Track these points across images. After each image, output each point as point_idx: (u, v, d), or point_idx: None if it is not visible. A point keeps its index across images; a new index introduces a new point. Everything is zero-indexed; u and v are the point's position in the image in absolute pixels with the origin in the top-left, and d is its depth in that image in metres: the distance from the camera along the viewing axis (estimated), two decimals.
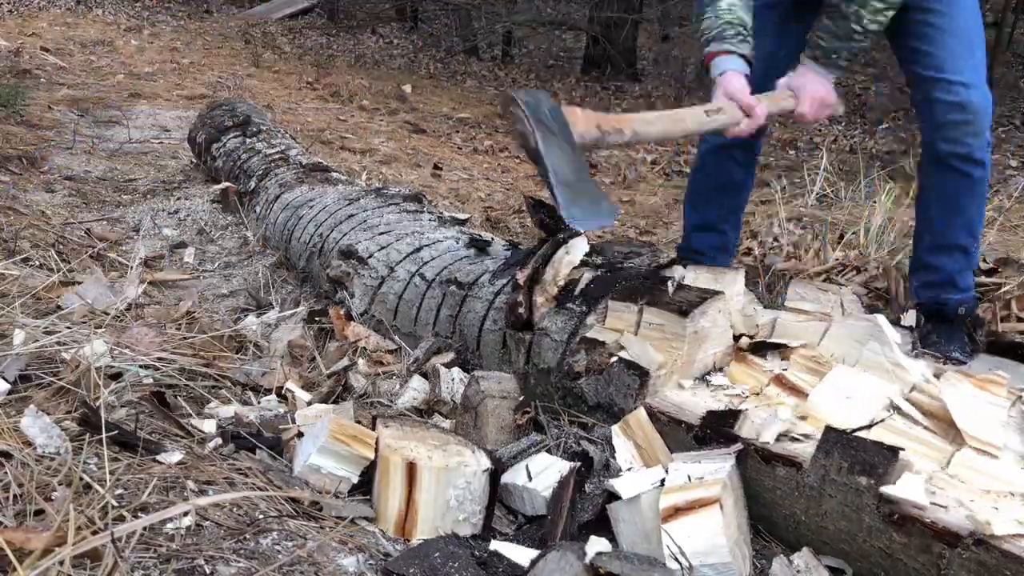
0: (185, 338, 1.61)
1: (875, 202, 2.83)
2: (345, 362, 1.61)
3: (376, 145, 5.04)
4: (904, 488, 0.96)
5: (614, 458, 1.19)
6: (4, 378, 1.19)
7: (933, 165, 1.95)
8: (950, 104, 1.81)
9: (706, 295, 1.34)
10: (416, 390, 1.51)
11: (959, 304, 2.00)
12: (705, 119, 1.55)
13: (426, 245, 1.90)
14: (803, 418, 1.18)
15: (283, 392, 1.49)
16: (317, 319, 1.76)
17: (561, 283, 1.46)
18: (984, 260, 2.25)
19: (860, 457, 0.99)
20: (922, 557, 0.94)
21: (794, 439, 1.12)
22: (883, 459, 0.98)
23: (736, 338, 1.41)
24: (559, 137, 1.33)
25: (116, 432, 1.06)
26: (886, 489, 0.96)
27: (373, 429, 1.18)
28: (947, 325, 1.96)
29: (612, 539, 1.06)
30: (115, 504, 0.92)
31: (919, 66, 1.85)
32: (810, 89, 1.71)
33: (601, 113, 1.44)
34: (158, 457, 1.06)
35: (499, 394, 1.35)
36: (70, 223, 2.55)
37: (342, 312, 1.79)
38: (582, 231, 1.56)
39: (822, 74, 1.74)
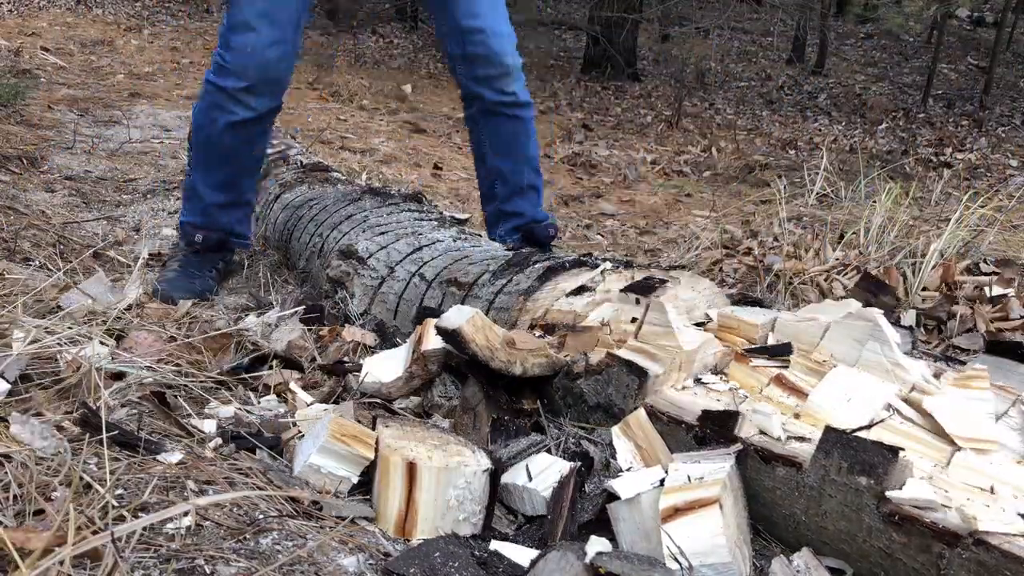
0: (188, 337, 1.61)
1: (875, 202, 2.83)
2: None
3: (376, 145, 5.05)
4: (912, 491, 0.96)
5: (614, 458, 1.19)
6: (4, 378, 1.19)
7: (484, 115, 2.21)
8: (484, 57, 2.09)
9: None
10: None
11: (546, 231, 2.33)
12: None
13: (426, 245, 1.90)
14: (796, 416, 1.18)
15: (283, 392, 1.49)
16: (311, 327, 1.76)
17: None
18: (985, 261, 2.25)
19: (860, 457, 0.99)
20: (922, 557, 0.94)
21: (789, 440, 1.12)
22: (883, 459, 0.98)
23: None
24: None
25: (116, 432, 1.06)
26: (894, 494, 0.96)
27: (373, 429, 1.18)
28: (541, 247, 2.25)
29: (612, 539, 1.06)
30: (115, 504, 0.92)
31: (458, 16, 2.09)
32: None
33: None
34: (158, 457, 1.06)
35: None
36: (70, 223, 2.55)
37: (336, 325, 1.79)
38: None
39: None
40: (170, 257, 2.27)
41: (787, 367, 1.30)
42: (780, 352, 1.33)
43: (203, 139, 2.08)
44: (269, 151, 3.01)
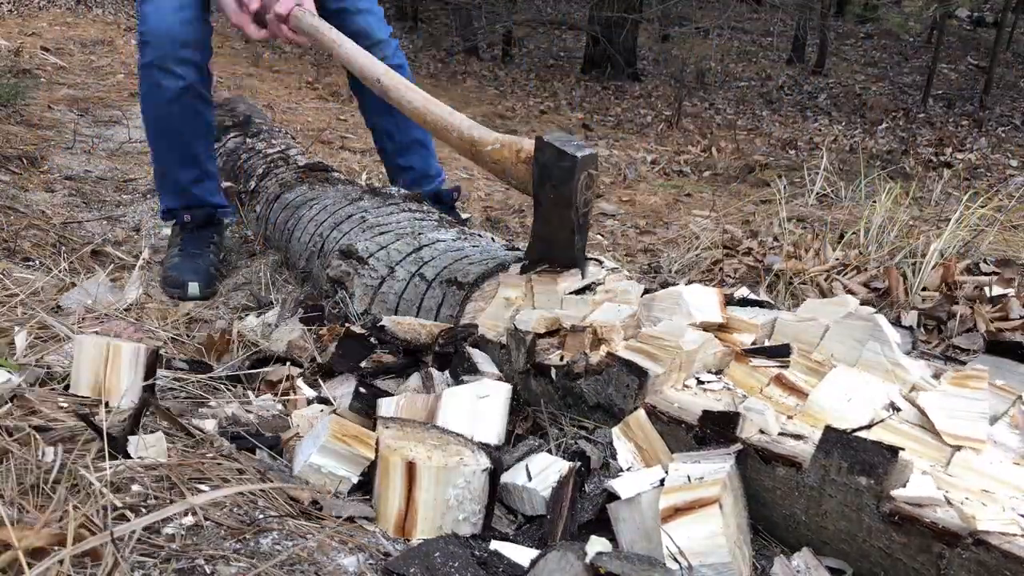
0: (189, 335, 1.61)
1: (875, 202, 2.83)
2: None
3: None
4: (917, 490, 0.96)
5: (614, 458, 1.19)
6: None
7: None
8: (353, 33, 2.17)
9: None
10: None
11: (439, 188, 2.59)
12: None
13: (426, 245, 1.90)
14: (790, 417, 1.18)
15: (286, 391, 1.49)
16: (311, 327, 1.77)
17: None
18: (985, 261, 2.25)
19: (860, 457, 0.99)
20: (922, 557, 0.94)
21: (785, 437, 1.12)
22: (883, 459, 0.98)
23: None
24: None
25: (116, 432, 1.06)
26: (899, 492, 0.96)
27: (373, 429, 1.18)
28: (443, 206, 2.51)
29: (612, 539, 1.06)
30: (115, 504, 0.92)
31: (325, 3, 2.22)
32: None
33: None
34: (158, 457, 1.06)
35: None
36: (70, 223, 2.55)
37: (336, 325, 1.79)
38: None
39: None
40: (168, 246, 2.36)
41: (787, 367, 1.30)
42: (779, 353, 1.33)
43: (153, 122, 2.20)
44: (270, 151, 3.01)
